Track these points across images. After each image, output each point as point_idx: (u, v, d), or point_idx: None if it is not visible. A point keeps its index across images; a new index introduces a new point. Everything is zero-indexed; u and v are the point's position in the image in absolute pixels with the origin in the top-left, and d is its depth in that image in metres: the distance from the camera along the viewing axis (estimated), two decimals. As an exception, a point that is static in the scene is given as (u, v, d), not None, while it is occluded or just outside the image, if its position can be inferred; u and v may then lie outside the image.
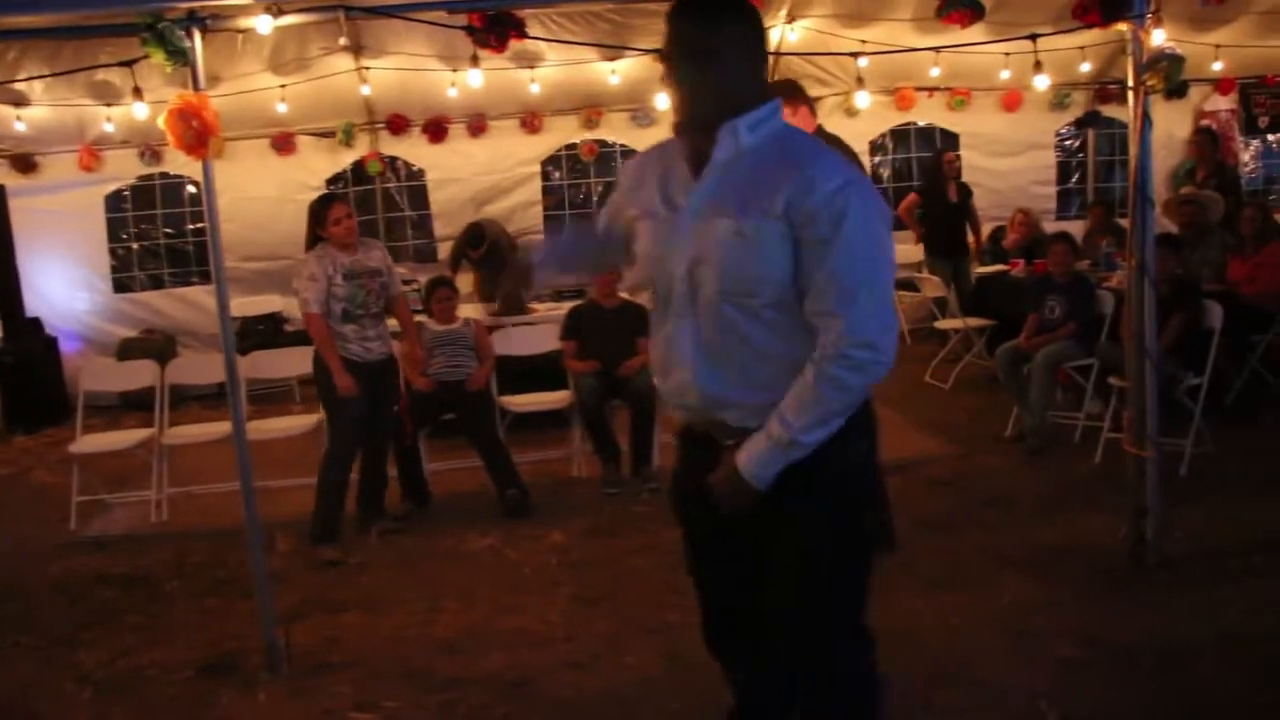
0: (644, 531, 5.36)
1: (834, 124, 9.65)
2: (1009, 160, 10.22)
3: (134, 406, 8.15)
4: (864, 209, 2.18)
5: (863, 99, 9.01)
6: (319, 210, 5.34)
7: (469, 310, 7.09)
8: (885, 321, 2.21)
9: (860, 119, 9.73)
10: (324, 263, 5.24)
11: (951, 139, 10.05)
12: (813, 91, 9.49)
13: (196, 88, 3.85)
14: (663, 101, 8.10)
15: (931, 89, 9.72)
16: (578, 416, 6.31)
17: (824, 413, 2.22)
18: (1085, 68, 9.07)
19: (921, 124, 10.22)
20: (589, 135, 9.80)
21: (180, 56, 3.82)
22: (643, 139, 9.78)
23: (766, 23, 8.18)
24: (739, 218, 2.22)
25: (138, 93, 6.46)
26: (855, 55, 7.67)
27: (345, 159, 9.61)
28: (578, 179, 10.39)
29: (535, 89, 8.88)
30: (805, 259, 2.19)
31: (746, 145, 2.28)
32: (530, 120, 9.72)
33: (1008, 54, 8.45)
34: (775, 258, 2.20)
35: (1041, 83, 7.66)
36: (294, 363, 6.73)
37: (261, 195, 9.23)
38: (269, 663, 4.09)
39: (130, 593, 5.09)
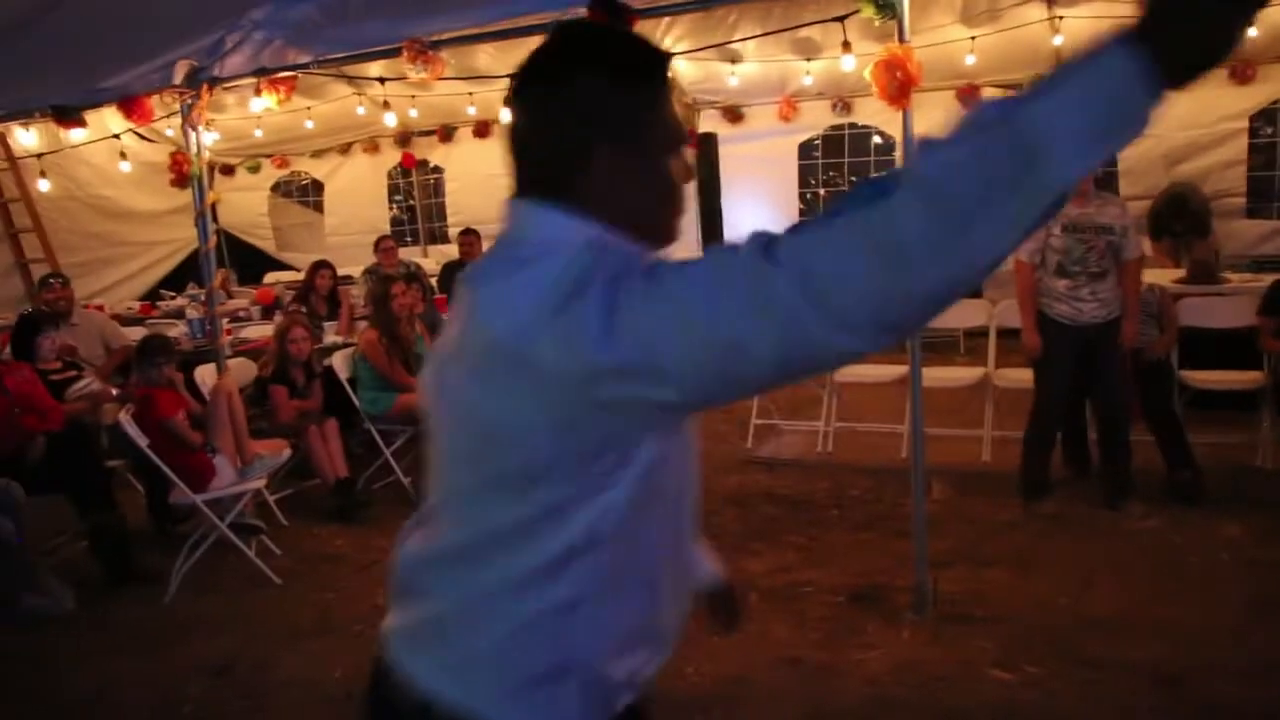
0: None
1: None
2: None
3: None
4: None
5: None
6: None
7: (1152, 276, 6.63)
8: None
9: None
10: None
11: None
12: None
13: (902, 40, 4.00)
14: None
15: None
16: (1271, 401, 5.65)
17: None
18: None
19: None
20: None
21: (889, 10, 4.01)
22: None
23: None
24: None
25: (847, 46, 6.82)
26: None
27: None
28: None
29: (1252, 32, 7.94)
30: None
31: None
32: (1241, 69, 8.65)
33: None
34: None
35: None
36: (963, 315, 6.79)
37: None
38: (915, 603, 4.23)
39: (794, 513, 5.53)
